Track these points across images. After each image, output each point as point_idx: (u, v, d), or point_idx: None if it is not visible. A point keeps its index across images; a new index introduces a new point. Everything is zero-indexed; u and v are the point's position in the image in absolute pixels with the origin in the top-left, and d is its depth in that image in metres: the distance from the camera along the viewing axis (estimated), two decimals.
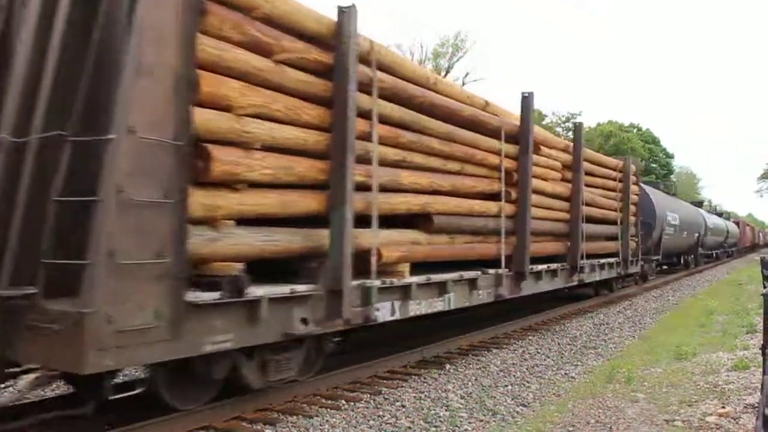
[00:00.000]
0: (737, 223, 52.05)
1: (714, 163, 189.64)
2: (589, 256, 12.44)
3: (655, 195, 21.68)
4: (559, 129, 56.18)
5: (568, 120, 57.06)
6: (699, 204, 38.82)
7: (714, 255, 37.98)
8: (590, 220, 12.61)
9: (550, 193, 10.94)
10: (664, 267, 26.78)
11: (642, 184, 19.45)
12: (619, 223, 14.78)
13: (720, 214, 46.16)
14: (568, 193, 11.79)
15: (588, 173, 12.75)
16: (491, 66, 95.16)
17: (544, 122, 54.79)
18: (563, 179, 11.63)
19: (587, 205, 12.38)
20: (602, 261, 13.57)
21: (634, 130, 63.87)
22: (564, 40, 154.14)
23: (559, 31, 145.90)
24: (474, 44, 58.38)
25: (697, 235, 27.80)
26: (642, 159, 57.05)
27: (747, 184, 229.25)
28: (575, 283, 12.04)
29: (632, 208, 16.04)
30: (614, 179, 14.85)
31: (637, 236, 16.31)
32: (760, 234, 76.16)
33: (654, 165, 63.02)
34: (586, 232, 12.04)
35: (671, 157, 69.54)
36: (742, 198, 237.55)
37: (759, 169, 68.18)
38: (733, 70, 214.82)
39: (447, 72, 43.52)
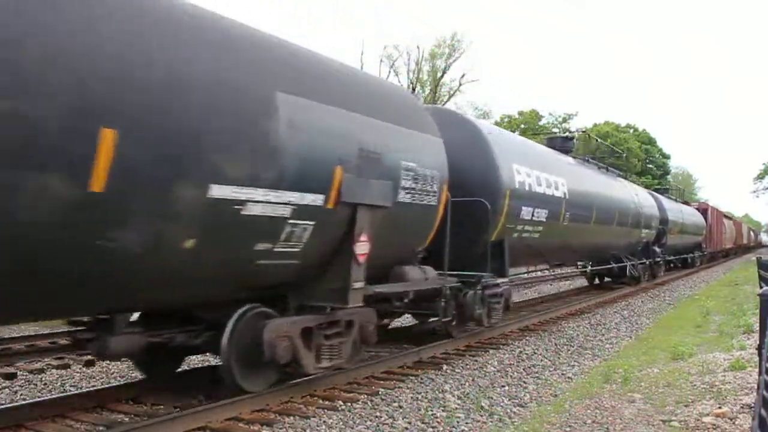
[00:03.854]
0: (704, 211, 32.71)
1: (711, 164, 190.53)
2: None
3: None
4: (555, 130, 56.26)
5: (564, 120, 57.11)
6: (565, 152, 13.90)
7: (627, 273, 17.79)
8: None
9: None
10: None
11: None
12: None
13: (678, 196, 30.74)
14: None
15: None
16: (488, 67, 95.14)
17: (540, 122, 54.87)
18: None
19: None
20: None
21: (631, 131, 63.94)
22: (561, 41, 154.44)
23: (556, 32, 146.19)
24: (471, 45, 58.33)
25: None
26: (639, 159, 57.18)
27: (744, 185, 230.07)
28: None
29: None
30: None
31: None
32: (752, 233, 75.06)
33: (651, 165, 63.10)
34: None
35: (668, 157, 69.64)
36: (739, 199, 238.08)
37: (755, 170, 68.44)
38: (732, 70, 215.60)
39: (443, 73, 43.44)
